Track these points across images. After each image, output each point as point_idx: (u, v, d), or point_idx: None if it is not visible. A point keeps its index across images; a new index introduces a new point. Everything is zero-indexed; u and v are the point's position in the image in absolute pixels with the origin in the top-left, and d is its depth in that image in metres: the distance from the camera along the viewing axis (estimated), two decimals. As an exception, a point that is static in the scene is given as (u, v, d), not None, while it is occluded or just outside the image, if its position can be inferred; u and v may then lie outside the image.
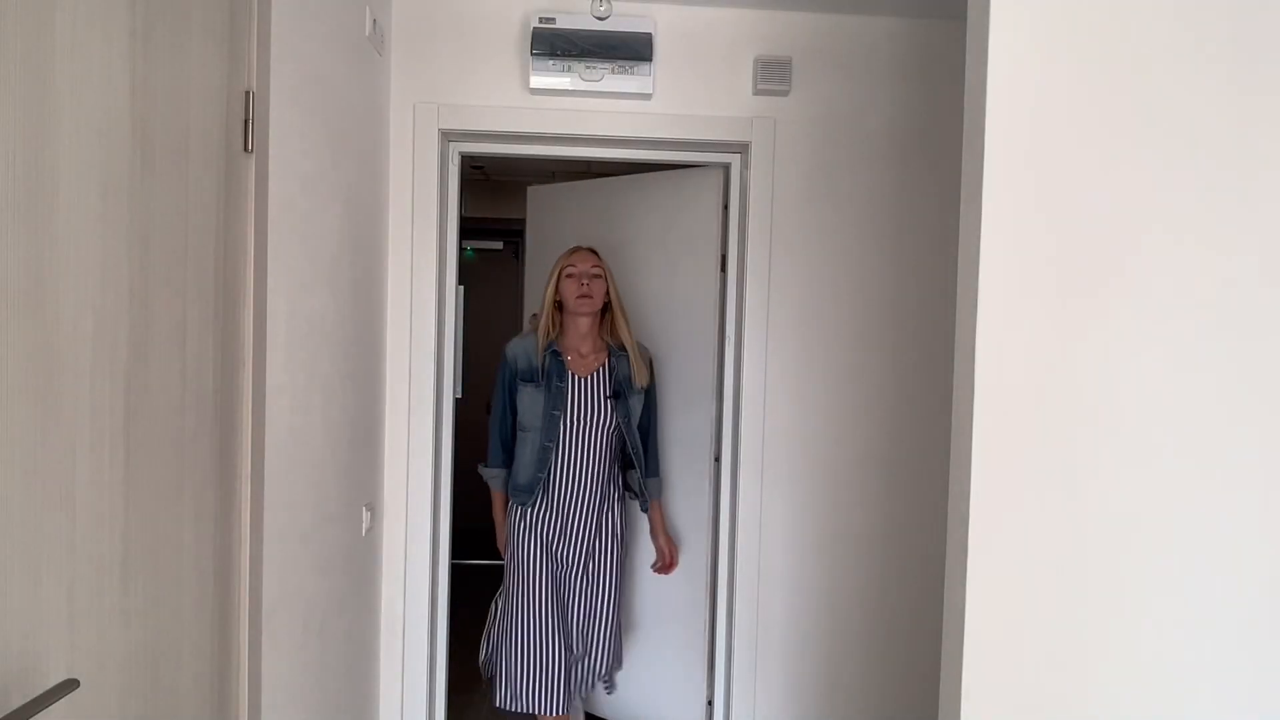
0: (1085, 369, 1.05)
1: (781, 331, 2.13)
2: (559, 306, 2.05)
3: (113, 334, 0.90)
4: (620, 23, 1.99)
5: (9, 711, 0.74)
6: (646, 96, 2.04)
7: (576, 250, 2.08)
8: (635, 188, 2.33)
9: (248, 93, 1.22)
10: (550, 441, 1.99)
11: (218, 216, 1.14)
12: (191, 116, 1.06)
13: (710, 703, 2.28)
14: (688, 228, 2.24)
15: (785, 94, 2.09)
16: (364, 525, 1.89)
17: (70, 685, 0.80)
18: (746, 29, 2.08)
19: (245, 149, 1.22)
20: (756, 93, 2.08)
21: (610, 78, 2.00)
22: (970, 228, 1.07)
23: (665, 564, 2.22)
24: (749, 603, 2.16)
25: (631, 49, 1.98)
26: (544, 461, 2.00)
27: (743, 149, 2.15)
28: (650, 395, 2.15)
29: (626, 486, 2.16)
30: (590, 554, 2.07)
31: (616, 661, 2.16)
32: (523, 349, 2.05)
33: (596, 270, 2.04)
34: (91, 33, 0.85)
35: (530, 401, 2.02)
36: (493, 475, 2.11)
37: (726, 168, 2.20)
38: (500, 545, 2.12)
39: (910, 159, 2.13)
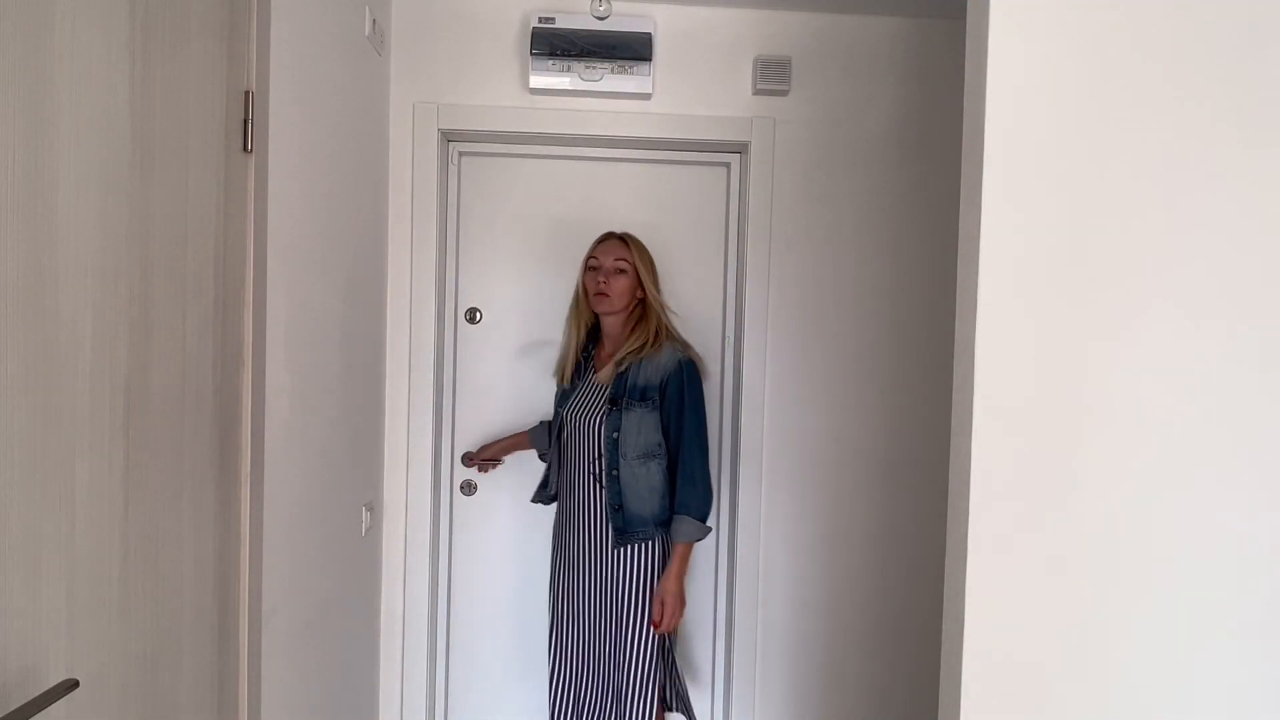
0: (1086, 369, 1.05)
1: (780, 330, 2.13)
2: (589, 304, 1.89)
3: (113, 334, 0.90)
4: (620, 22, 1.99)
5: (9, 711, 0.74)
6: (646, 96, 2.04)
7: (606, 239, 1.89)
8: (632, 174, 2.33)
9: (248, 93, 1.23)
10: (559, 440, 1.94)
11: (217, 216, 1.14)
12: (191, 116, 1.06)
13: (711, 702, 2.28)
14: (691, 222, 2.24)
15: (785, 94, 2.09)
16: (364, 525, 1.89)
17: (70, 685, 0.80)
18: (746, 29, 2.08)
19: (245, 149, 1.22)
20: (756, 93, 2.08)
21: (610, 78, 2.00)
22: (970, 228, 1.07)
23: (655, 618, 1.77)
24: (749, 602, 2.16)
25: (631, 49, 1.98)
26: (556, 462, 1.94)
27: (742, 149, 2.15)
28: (678, 409, 1.79)
29: (627, 522, 1.79)
30: (585, 586, 1.83)
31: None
32: (561, 347, 2.00)
33: (622, 265, 1.83)
34: (91, 33, 0.85)
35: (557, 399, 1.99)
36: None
37: (727, 167, 2.21)
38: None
39: (910, 159, 2.14)
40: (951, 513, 1.11)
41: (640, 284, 1.85)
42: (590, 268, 1.88)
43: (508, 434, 2.16)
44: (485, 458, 2.11)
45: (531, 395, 2.20)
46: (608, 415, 1.79)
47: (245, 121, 1.22)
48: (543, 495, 2.01)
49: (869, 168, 2.13)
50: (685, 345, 1.88)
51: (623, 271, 1.83)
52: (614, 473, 1.78)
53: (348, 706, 1.83)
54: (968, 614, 1.05)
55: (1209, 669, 1.07)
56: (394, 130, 2.03)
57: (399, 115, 2.03)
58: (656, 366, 1.79)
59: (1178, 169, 1.04)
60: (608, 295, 1.82)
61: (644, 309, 1.87)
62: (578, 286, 1.94)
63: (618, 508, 1.78)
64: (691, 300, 2.23)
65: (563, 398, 1.95)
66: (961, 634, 1.06)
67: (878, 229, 2.14)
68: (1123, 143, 1.04)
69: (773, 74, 2.06)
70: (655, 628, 1.78)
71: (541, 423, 2.10)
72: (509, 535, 2.23)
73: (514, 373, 2.21)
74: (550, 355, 2.18)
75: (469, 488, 2.22)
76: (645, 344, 1.81)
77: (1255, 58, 1.04)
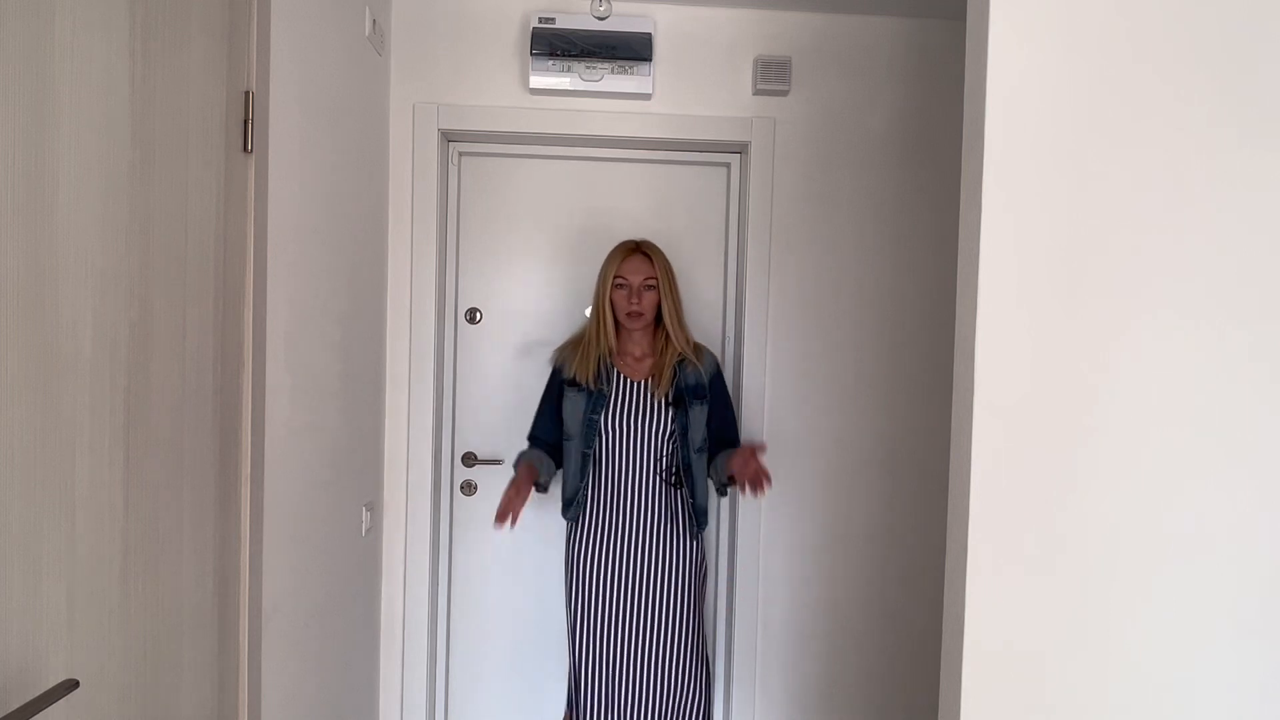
0: (1086, 369, 1.05)
1: (781, 331, 2.13)
2: (613, 314, 1.88)
3: (113, 334, 0.90)
4: (620, 23, 2.00)
5: (9, 712, 0.74)
6: (646, 96, 2.04)
7: (630, 255, 1.87)
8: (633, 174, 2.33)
9: (248, 93, 1.23)
10: (588, 448, 1.84)
11: (218, 216, 1.14)
12: (191, 116, 1.06)
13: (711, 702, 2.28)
14: (691, 222, 2.24)
15: (785, 94, 2.09)
16: (364, 525, 1.89)
17: (70, 685, 0.80)
18: (746, 29, 2.08)
19: (245, 149, 1.22)
20: (756, 93, 2.08)
21: (610, 78, 2.00)
22: (970, 228, 1.07)
23: (753, 472, 1.68)
24: (749, 602, 2.16)
25: (631, 49, 1.98)
26: (584, 471, 1.85)
27: (742, 149, 2.15)
28: (722, 402, 1.93)
29: (697, 514, 1.87)
30: (653, 586, 1.84)
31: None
32: (571, 356, 1.90)
33: (650, 282, 1.85)
34: (91, 33, 0.85)
35: (573, 407, 1.86)
36: (522, 453, 1.87)
37: (727, 167, 2.21)
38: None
39: (910, 159, 2.14)
40: (951, 513, 1.11)
41: (662, 300, 1.88)
42: (618, 285, 1.85)
43: (512, 466, 1.92)
44: (516, 509, 1.79)
45: (531, 395, 2.20)
46: (675, 415, 1.85)
47: (245, 121, 1.22)
48: (572, 511, 1.89)
49: (869, 168, 2.13)
50: (707, 348, 1.97)
51: (651, 288, 1.86)
52: (688, 467, 1.86)
53: (348, 706, 1.83)
54: (968, 613, 1.05)
55: (1209, 668, 1.07)
56: (394, 130, 2.03)
57: (399, 115, 2.03)
58: (702, 367, 1.90)
59: (1177, 170, 1.04)
60: (643, 313, 1.86)
61: (668, 316, 1.89)
62: (599, 298, 1.87)
63: (692, 499, 1.88)
64: (691, 300, 2.23)
65: (595, 405, 1.85)
66: (961, 634, 1.06)
67: (878, 229, 2.14)
68: (1123, 142, 1.04)
69: (773, 74, 2.06)
70: (756, 473, 1.68)
71: (530, 450, 1.90)
72: (509, 535, 2.23)
73: (514, 373, 2.21)
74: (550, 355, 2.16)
75: (469, 488, 2.22)
76: (686, 350, 1.88)
77: (1255, 58, 1.04)
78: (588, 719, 1.87)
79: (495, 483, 2.21)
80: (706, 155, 2.18)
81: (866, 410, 2.17)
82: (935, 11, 2.08)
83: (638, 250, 1.88)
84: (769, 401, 2.14)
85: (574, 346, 1.93)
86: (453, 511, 2.22)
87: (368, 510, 1.91)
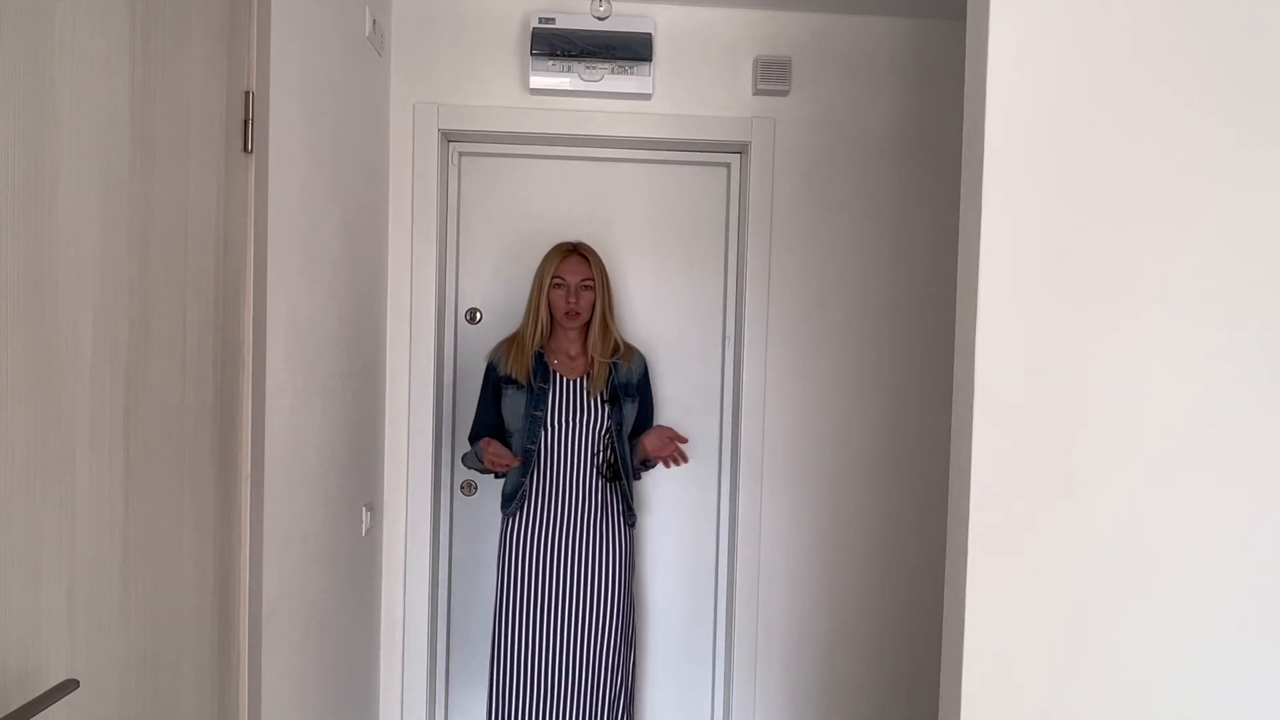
0: (1086, 369, 1.05)
1: (781, 331, 2.13)
2: (549, 312, 1.94)
3: (113, 334, 0.90)
4: (620, 23, 2.00)
5: (9, 712, 0.74)
6: (646, 97, 2.04)
7: (568, 256, 1.93)
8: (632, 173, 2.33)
9: (248, 93, 1.23)
10: (532, 444, 1.90)
11: (218, 216, 1.14)
12: (191, 116, 1.06)
13: (711, 702, 2.28)
14: (691, 222, 2.24)
15: (785, 94, 2.09)
16: (364, 525, 1.89)
17: (70, 685, 0.80)
18: (746, 29, 2.08)
19: (245, 149, 1.22)
20: (756, 93, 2.09)
21: (610, 78, 2.00)
22: (970, 228, 1.07)
23: (680, 443, 1.95)
24: (749, 603, 2.16)
25: (631, 49, 1.99)
26: (526, 466, 1.90)
27: (742, 149, 2.15)
28: (646, 397, 2.04)
29: (628, 505, 1.98)
30: (589, 572, 1.93)
31: (622, 699, 1.96)
32: (506, 354, 1.95)
33: (588, 283, 1.92)
34: (91, 33, 0.85)
35: (513, 404, 1.93)
36: (474, 446, 1.95)
37: (727, 167, 2.21)
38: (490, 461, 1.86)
39: (910, 159, 2.14)
40: (951, 513, 1.11)
41: (597, 300, 1.95)
42: (555, 285, 1.92)
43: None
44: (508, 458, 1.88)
45: (531, 395, 2.20)
46: (611, 412, 1.93)
47: (245, 121, 1.22)
48: (512, 504, 1.94)
49: (869, 168, 2.13)
50: (636, 348, 2.08)
51: (588, 288, 1.93)
52: (625, 460, 1.95)
53: (348, 707, 1.83)
54: (968, 614, 1.05)
55: (1210, 669, 1.07)
56: (394, 130, 2.03)
57: (399, 115, 2.03)
58: (633, 367, 2.01)
59: (1177, 169, 1.04)
60: (579, 313, 1.93)
61: (601, 317, 1.96)
62: (535, 296, 1.93)
63: (627, 490, 1.97)
64: (691, 300, 2.23)
65: (537, 402, 1.90)
66: (961, 634, 1.06)
67: (878, 229, 2.14)
68: (1122, 142, 1.04)
69: (773, 74, 2.06)
70: (675, 451, 1.96)
71: (487, 443, 1.89)
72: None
73: (514, 373, 2.21)
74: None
75: (469, 488, 2.22)
76: (620, 350, 1.98)
77: (1256, 56, 1.04)
78: (510, 705, 1.92)
79: (495, 483, 2.21)
80: (706, 155, 2.18)
81: (866, 410, 2.17)
82: (935, 11, 2.08)
83: (575, 251, 1.95)
84: (769, 401, 2.14)
85: (509, 344, 1.98)
86: (453, 511, 2.23)
87: (368, 510, 1.91)
